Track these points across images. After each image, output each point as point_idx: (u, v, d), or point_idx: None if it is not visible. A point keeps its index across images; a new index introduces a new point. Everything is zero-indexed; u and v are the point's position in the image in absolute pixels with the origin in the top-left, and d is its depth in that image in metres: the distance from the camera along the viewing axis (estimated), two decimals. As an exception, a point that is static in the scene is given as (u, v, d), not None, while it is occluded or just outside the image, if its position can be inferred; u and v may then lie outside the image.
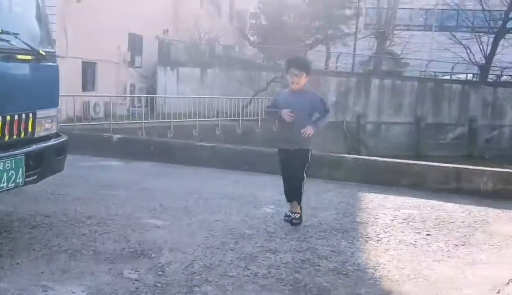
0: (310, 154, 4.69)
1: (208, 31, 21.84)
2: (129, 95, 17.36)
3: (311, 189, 6.47)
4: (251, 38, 30.24)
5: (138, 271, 3.48)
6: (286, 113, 4.46)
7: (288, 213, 4.71)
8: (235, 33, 28.23)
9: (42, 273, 3.39)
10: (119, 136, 8.54)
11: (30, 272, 3.39)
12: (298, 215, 4.67)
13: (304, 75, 4.45)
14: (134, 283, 3.29)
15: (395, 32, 28.62)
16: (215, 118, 16.53)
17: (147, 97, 16.17)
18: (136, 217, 4.76)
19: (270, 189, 6.21)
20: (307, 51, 24.98)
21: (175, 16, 20.63)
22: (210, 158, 7.55)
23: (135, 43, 18.55)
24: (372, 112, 22.39)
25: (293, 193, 4.69)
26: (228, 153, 7.78)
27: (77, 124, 11.96)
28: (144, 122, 14.06)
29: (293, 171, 4.66)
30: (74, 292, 3.12)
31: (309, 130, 4.47)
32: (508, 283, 3.66)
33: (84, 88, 15.93)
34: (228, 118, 16.73)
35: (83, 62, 15.61)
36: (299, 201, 4.69)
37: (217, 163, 7.51)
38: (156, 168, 7.36)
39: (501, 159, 18.62)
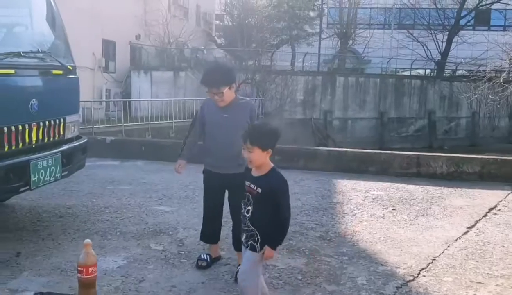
0: None
1: (178, 35, 22.45)
2: (111, 99, 17.82)
3: (290, 178, 7.33)
4: (218, 40, 31.00)
5: (163, 244, 4.26)
6: (177, 166, 3.87)
7: (204, 256, 3.79)
8: (203, 36, 28.90)
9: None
10: (112, 138, 9.19)
11: (72, 249, 4.10)
12: None
13: (227, 89, 3.58)
14: (162, 253, 4.06)
15: (356, 31, 29.95)
16: (190, 119, 17.14)
17: (125, 101, 16.67)
18: (146, 205, 5.51)
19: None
20: (274, 52, 25.96)
21: (145, 21, 21.14)
22: (198, 154, 8.28)
23: (108, 49, 19.02)
24: (338, 109, 23.56)
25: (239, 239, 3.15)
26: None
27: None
28: (124, 125, 14.65)
29: (235, 207, 3.54)
30: (115, 261, 3.86)
31: None
32: (456, 240, 4.63)
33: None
34: (203, 119, 17.43)
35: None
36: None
37: (204, 159, 8.26)
38: (150, 166, 8.06)
39: (459, 149, 20.05)
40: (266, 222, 2.76)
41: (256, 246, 2.76)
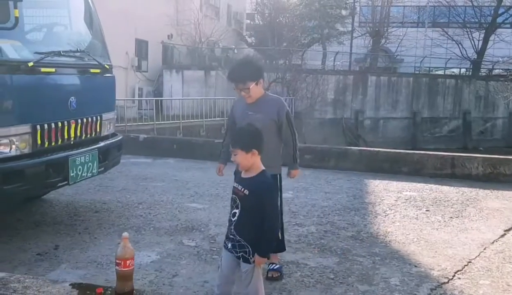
0: (280, 179, 3.74)
1: (209, 34, 22.63)
2: (143, 98, 18.13)
3: (321, 177, 7.35)
4: (249, 40, 31.10)
5: (195, 241, 4.32)
6: (217, 169, 4.06)
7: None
8: (234, 35, 29.04)
9: (118, 243, 4.19)
10: (144, 136, 9.38)
11: (108, 243, 4.21)
12: (277, 266, 3.63)
13: (253, 84, 3.50)
14: (194, 249, 4.12)
15: (389, 29, 29.48)
16: (220, 118, 17.36)
17: (157, 100, 16.93)
18: (178, 202, 5.59)
19: (284, 177, 7.03)
20: (304, 51, 25.83)
21: (176, 21, 21.40)
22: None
23: (141, 49, 19.34)
24: (370, 108, 23.24)
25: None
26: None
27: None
28: (156, 124, 14.89)
29: None
30: (149, 256, 3.94)
31: (295, 173, 3.84)
32: (493, 242, 4.51)
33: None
34: (233, 118, 17.52)
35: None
36: (275, 251, 3.59)
37: (235, 158, 8.32)
38: (181, 163, 8.17)
39: (495, 150, 19.48)
40: (252, 228, 2.63)
41: (249, 257, 2.67)
